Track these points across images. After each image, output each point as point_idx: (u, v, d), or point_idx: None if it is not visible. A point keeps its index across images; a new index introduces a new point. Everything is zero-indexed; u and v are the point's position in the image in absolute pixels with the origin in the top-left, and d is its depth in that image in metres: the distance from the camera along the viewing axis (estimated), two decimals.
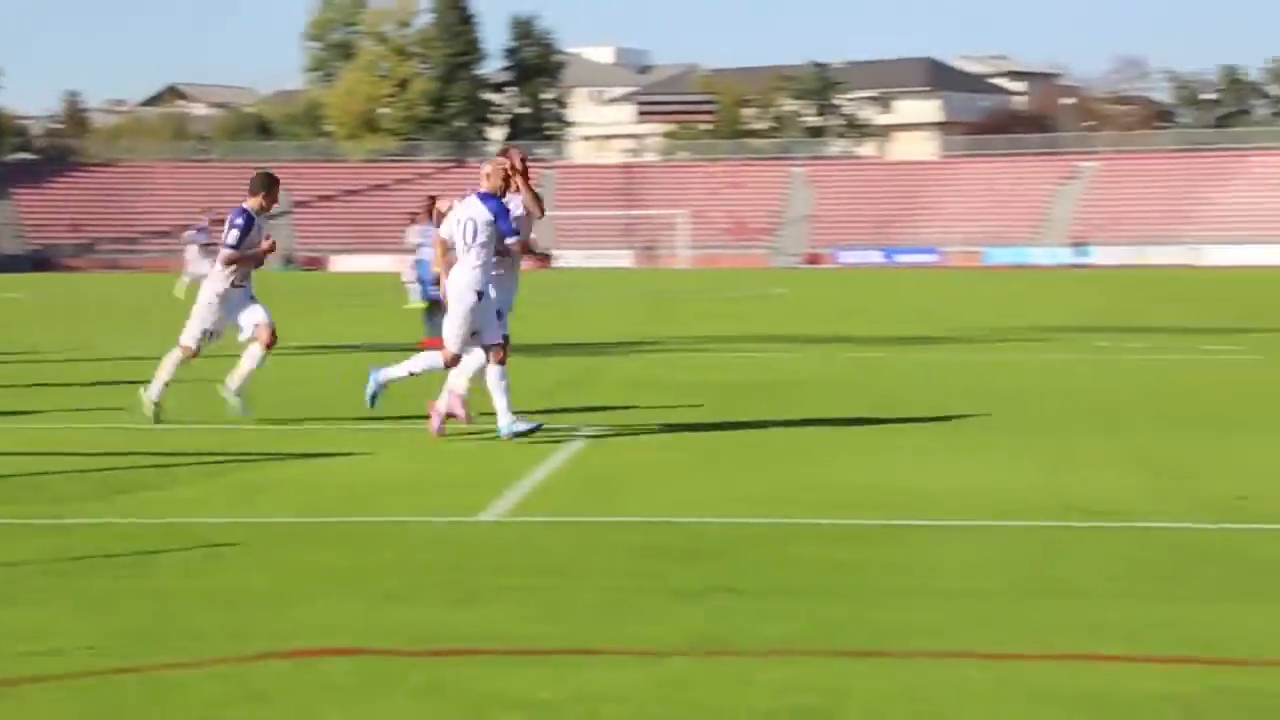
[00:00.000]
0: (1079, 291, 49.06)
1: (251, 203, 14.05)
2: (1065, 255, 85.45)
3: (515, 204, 12.82)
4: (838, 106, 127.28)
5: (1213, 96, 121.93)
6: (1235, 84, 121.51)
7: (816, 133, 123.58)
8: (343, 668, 6.02)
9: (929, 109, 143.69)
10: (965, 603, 7.10)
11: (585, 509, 9.52)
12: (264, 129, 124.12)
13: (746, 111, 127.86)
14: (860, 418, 14.14)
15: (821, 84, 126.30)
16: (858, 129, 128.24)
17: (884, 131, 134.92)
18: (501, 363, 12.34)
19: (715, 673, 5.97)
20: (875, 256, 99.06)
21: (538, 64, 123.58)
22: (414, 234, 24.79)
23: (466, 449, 12.25)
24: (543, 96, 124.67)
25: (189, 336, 13.99)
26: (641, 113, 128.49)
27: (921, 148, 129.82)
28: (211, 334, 14.03)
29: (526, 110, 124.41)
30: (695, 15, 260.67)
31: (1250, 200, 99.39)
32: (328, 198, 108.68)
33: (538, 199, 12.86)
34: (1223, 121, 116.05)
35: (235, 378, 13.95)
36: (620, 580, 7.54)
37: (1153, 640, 6.41)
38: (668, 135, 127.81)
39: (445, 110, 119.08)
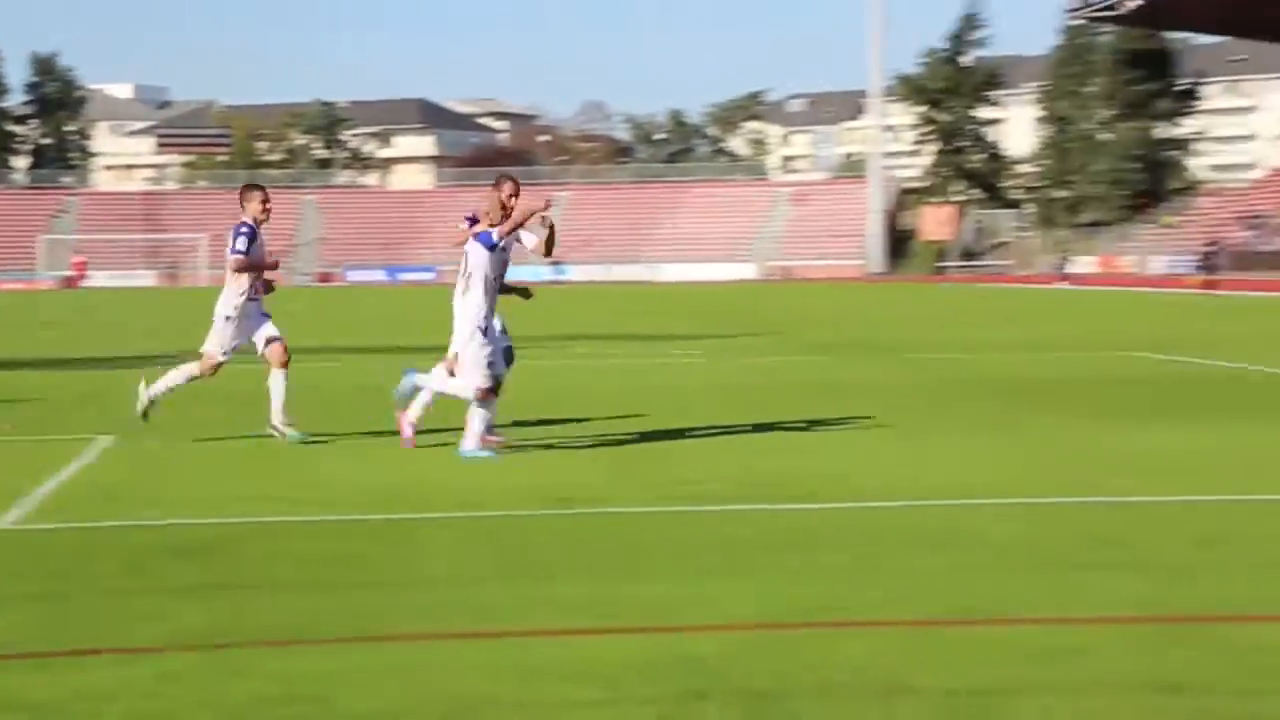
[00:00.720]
0: (560, 304, 49.94)
1: (249, 213, 12.27)
2: (545, 272, 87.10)
3: (526, 238, 12.36)
4: (343, 141, 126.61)
5: (663, 136, 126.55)
6: (681, 126, 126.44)
7: (325, 164, 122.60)
8: None
9: (424, 144, 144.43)
10: (450, 588, 6.92)
11: (94, 514, 8.88)
12: None
13: (260, 144, 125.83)
14: (363, 422, 13.82)
15: (328, 121, 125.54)
16: (361, 161, 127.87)
17: (385, 164, 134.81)
18: (483, 400, 11.39)
19: (215, 665, 5.59)
20: (380, 275, 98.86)
21: (59, 99, 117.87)
22: None
23: None
24: (65, 129, 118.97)
25: (214, 347, 12.26)
26: (161, 144, 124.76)
27: (418, 179, 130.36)
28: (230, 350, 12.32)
29: (50, 141, 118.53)
30: (211, 55, 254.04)
31: (693, 226, 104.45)
32: None
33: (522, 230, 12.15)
34: (672, 158, 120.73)
35: (275, 413, 12.22)
36: (124, 581, 7.03)
37: (618, 614, 6.38)
38: (187, 165, 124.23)
39: None
